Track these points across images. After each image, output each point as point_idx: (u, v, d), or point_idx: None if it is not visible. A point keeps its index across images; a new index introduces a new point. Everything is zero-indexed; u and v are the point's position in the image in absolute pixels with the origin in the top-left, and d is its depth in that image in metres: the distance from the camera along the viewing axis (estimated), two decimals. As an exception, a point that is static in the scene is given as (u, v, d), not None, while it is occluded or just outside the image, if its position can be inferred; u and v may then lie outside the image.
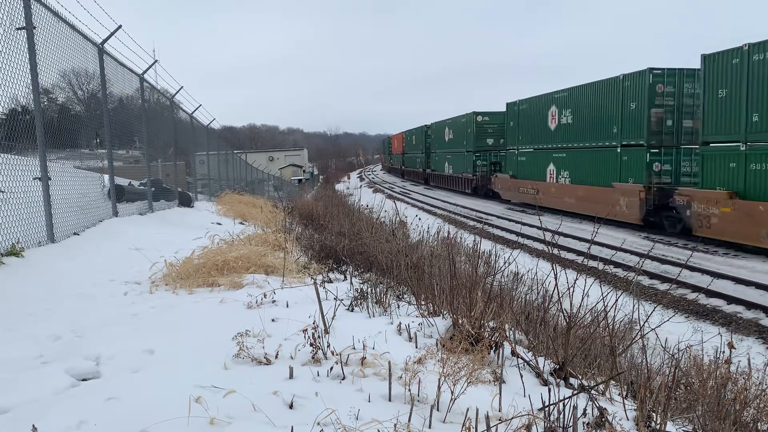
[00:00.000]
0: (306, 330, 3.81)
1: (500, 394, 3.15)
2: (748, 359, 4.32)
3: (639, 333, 4.33)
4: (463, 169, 41.78)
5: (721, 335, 4.81)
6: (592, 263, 12.99)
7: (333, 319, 4.32)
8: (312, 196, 31.69)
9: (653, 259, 15.13)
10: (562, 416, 2.83)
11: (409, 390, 3.10)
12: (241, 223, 13.07)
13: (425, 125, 55.75)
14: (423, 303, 5.21)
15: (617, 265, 14.95)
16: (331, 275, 7.05)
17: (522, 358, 3.85)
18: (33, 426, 2.32)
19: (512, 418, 2.72)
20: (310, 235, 10.06)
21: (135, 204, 11.86)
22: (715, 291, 12.14)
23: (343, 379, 3.37)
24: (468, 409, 2.77)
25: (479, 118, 39.04)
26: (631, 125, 21.83)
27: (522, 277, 8.91)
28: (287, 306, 5.12)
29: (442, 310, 4.79)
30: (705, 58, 17.26)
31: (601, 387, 3.64)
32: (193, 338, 4.23)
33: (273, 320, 4.58)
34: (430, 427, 2.85)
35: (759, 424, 3.51)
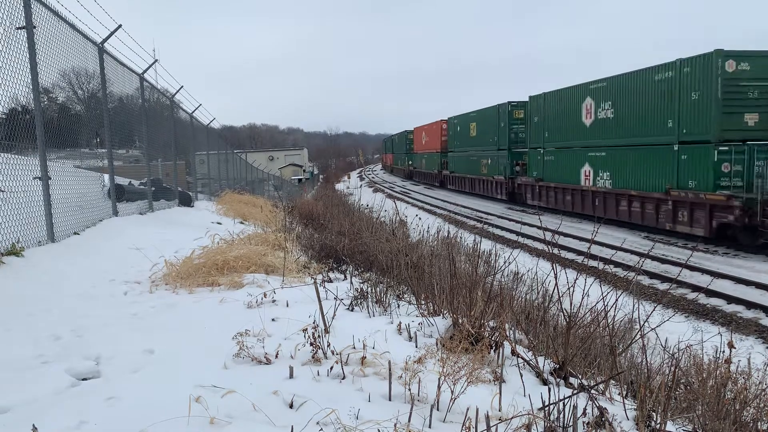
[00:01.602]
0: (306, 329, 3.81)
1: (500, 394, 3.15)
2: (748, 359, 4.32)
3: (639, 333, 4.32)
4: (674, 181, 18.57)
5: (721, 335, 4.81)
6: (592, 263, 12.99)
7: (333, 318, 4.32)
8: (312, 195, 31.69)
9: (653, 258, 15.13)
10: (562, 416, 2.83)
11: (409, 389, 3.10)
12: (241, 222, 13.07)
13: (509, 102, 32.94)
14: (423, 302, 5.21)
15: (617, 264, 14.96)
16: (331, 275, 7.05)
17: (522, 358, 3.85)
18: (33, 426, 2.32)
19: (512, 418, 2.72)
20: (310, 235, 10.06)
21: (135, 203, 11.86)
22: (715, 290, 12.14)
23: (343, 378, 3.37)
24: (468, 409, 2.77)
25: (731, 66, 16.99)
26: None
27: (522, 276, 8.90)
28: (287, 305, 5.12)
29: (442, 309, 4.79)
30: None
31: (601, 386, 3.64)
32: (193, 338, 4.23)
33: (273, 320, 4.58)
34: (430, 426, 2.85)
35: (759, 423, 3.50)
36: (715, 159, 17.10)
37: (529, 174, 29.88)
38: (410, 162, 66.02)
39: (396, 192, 48.89)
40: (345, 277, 6.97)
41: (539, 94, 28.70)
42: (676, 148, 18.70)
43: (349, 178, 78.33)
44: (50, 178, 6.91)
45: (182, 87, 16.62)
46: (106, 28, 9.79)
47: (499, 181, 34.25)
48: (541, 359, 3.85)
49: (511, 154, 32.89)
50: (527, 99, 30.56)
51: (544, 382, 3.63)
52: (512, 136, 32.86)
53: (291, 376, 3.37)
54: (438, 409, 3.03)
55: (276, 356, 3.69)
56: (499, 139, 34.12)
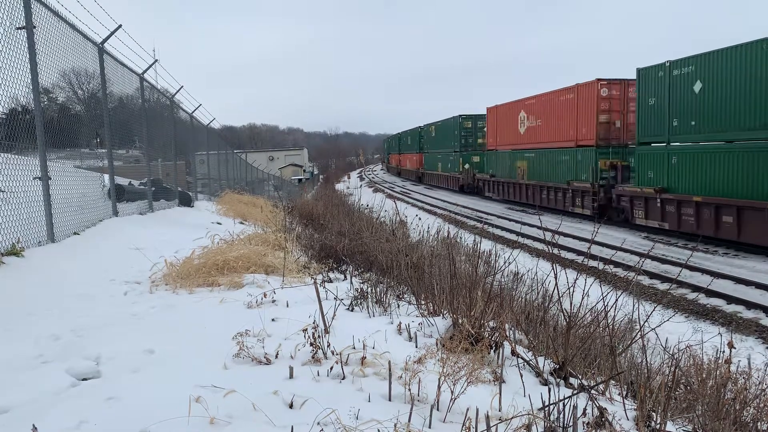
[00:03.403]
0: (306, 330, 3.81)
1: (500, 394, 3.15)
2: (748, 359, 4.33)
3: (639, 333, 4.33)
4: None
5: (721, 335, 4.81)
6: (592, 263, 13.00)
7: (333, 318, 4.32)
8: (312, 195, 31.66)
9: (653, 258, 15.12)
10: (562, 416, 2.83)
11: (409, 390, 3.10)
12: (241, 222, 13.06)
13: None
14: (423, 303, 5.21)
15: (617, 264, 14.96)
16: (331, 275, 7.05)
17: (522, 358, 3.85)
18: (33, 426, 2.32)
19: (512, 418, 2.72)
20: (310, 235, 10.06)
21: (135, 204, 11.86)
22: (715, 291, 12.13)
23: (343, 378, 3.37)
24: (468, 409, 2.77)
25: None
26: None
27: (522, 276, 8.90)
28: (287, 306, 5.12)
29: (442, 309, 4.79)
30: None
31: (601, 387, 3.64)
32: (193, 338, 4.23)
33: (273, 320, 4.58)
34: (430, 426, 2.85)
35: (759, 423, 3.51)
36: None
37: None
38: (468, 166, 39.80)
39: (396, 192, 48.88)
40: (345, 277, 6.97)
41: None
42: None
43: (349, 178, 78.30)
44: (50, 178, 6.91)
45: (182, 87, 16.64)
46: (106, 28, 9.80)
47: None
48: (541, 359, 3.85)
49: None
50: None
51: (544, 383, 3.63)
52: None
53: (291, 376, 3.37)
54: (438, 409, 3.03)
55: (276, 356, 3.70)
56: None
